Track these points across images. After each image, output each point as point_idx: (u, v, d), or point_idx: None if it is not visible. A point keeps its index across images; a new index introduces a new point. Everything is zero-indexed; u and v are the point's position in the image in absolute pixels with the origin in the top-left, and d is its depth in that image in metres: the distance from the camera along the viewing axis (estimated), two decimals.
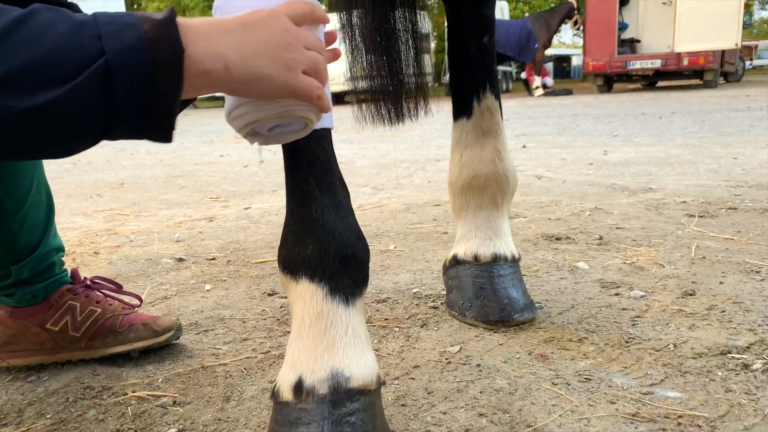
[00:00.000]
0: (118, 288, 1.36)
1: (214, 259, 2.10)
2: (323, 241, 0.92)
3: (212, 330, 1.44)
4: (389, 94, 1.51)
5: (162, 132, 0.63)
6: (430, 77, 1.63)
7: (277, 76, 0.68)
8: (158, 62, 0.59)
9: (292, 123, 0.77)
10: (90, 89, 0.56)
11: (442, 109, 1.63)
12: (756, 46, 29.06)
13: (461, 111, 1.45)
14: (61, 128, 0.57)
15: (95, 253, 2.24)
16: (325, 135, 0.96)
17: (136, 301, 1.38)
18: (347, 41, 1.37)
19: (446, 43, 1.45)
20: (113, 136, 0.63)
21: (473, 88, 1.41)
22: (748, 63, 21.05)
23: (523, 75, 15.89)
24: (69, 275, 1.31)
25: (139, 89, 0.58)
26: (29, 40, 0.55)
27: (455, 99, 1.46)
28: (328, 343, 0.87)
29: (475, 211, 1.45)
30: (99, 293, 1.32)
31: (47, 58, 0.55)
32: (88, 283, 1.32)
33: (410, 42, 1.50)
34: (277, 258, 0.98)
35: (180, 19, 0.63)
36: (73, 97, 0.56)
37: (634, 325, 1.35)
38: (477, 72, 1.40)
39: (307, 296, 0.91)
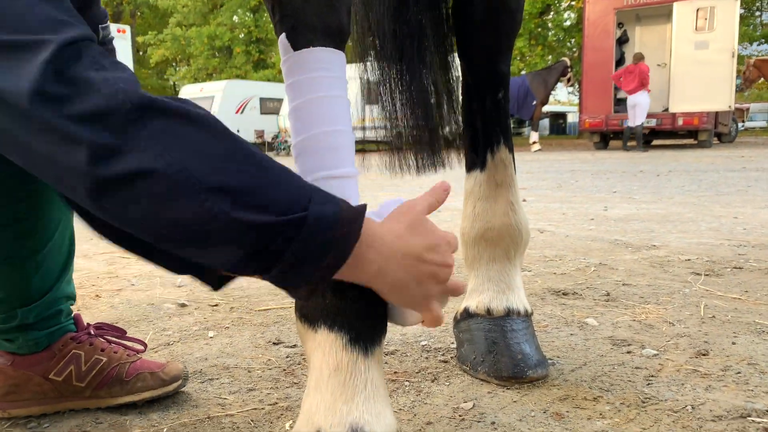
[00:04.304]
0: (122, 334, 1.33)
1: (217, 305, 2.07)
2: (341, 289, 0.91)
3: (217, 379, 1.41)
4: (423, 142, 1.53)
5: (296, 292, 0.74)
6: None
7: (416, 302, 0.82)
8: (337, 239, 0.69)
9: None
10: (281, 231, 0.65)
11: (444, 164, 1.65)
12: (747, 109, 29.70)
13: (475, 163, 1.46)
14: (234, 245, 0.66)
15: (96, 296, 2.21)
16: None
17: (140, 347, 1.34)
18: (385, 92, 1.42)
19: (461, 97, 1.47)
20: (254, 273, 0.70)
21: (487, 142, 1.42)
22: (740, 124, 21.48)
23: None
24: (73, 323, 1.27)
25: (312, 253, 0.68)
26: (272, 170, 0.68)
27: (469, 151, 1.47)
28: (347, 396, 0.85)
29: (487, 263, 1.44)
30: (103, 340, 1.28)
31: (274, 190, 0.66)
32: (92, 331, 1.28)
33: (434, 97, 1.54)
34: (294, 306, 0.97)
35: (368, 218, 0.75)
36: (268, 230, 0.65)
37: (649, 384, 1.33)
38: (492, 126, 1.41)
39: (326, 346, 0.89)
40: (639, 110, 12.75)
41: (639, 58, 12.85)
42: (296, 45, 0.94)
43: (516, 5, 1.35)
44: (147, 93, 0.65)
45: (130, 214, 0.65)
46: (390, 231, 0.78)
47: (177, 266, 0.85)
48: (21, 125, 0.63)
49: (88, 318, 1.90)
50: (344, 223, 0.69)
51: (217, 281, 0.81)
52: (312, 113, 0.92)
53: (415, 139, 1.54)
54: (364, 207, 0.74)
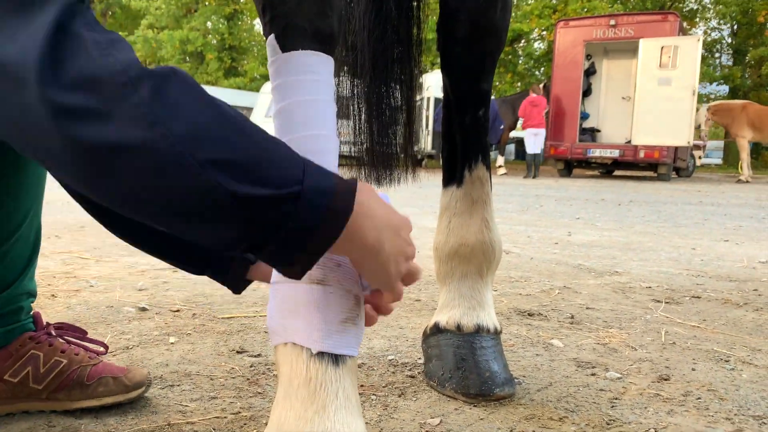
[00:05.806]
0: (83, 335, 1.27)
1: (178, 310, 2.02)
2: None
3: (178, 385, 1.37)
4: (381, 158, 1.55)
5: (294, 269, 0.71)
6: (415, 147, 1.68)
7: (392, 279, 0.81)
8: (333, 210, 0.68)
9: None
10: (279, 204, 0.64)
11: (410, 179, 1.66)
12: (704, 146, 30.76)
13: (452, 179, 1.46)
14: (231, 221, 0.64)
15: (52, 295, 2.13)
16: None
17: (101, 349, 1.29)
18: (356, 108, 1.42)
19: (442, 113, 1.48)
20: (249, 250, 0.69)
21: (466, 158, 1.43)
22: (697, 160, 22.19)
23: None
24: (32, 321, 1.21)
25: (309, 225, 0.66)
26: (266, 142, 0.66)
27: (446, 166, 1.48)
28: (318, 406, 0.83)
29: (460, 279, 1.44)
30: (63, 341, 1.22)
31: (271, 162, 0.64)
32: (52, 331, 1.22)
33: (404, 114, 1.55)
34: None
35: (361, 188, 0.74)
36: (266, 204, 0.63)
37: (613, 406, 1.34)
38: (471, 143, 1.42)
39: (294, 356, 0.87)
40: (540, 139, 13.92)
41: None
42: (285, 47, 0.93)
43: (502, 24, 1.37)
44: (139, 62, 0.63)
45: (121, 187, 0.62)
46: (379, 204, 0.77)
47: (196, 266, 0.85)
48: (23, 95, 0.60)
49: (44, 318, 1.83)
50: (339, 195, 0.68)
51: (239, 284, 0.81)
52: (297, 116, 0.91)
53: (383, 155, 1.55)
54: (356, 180, 0.73)
